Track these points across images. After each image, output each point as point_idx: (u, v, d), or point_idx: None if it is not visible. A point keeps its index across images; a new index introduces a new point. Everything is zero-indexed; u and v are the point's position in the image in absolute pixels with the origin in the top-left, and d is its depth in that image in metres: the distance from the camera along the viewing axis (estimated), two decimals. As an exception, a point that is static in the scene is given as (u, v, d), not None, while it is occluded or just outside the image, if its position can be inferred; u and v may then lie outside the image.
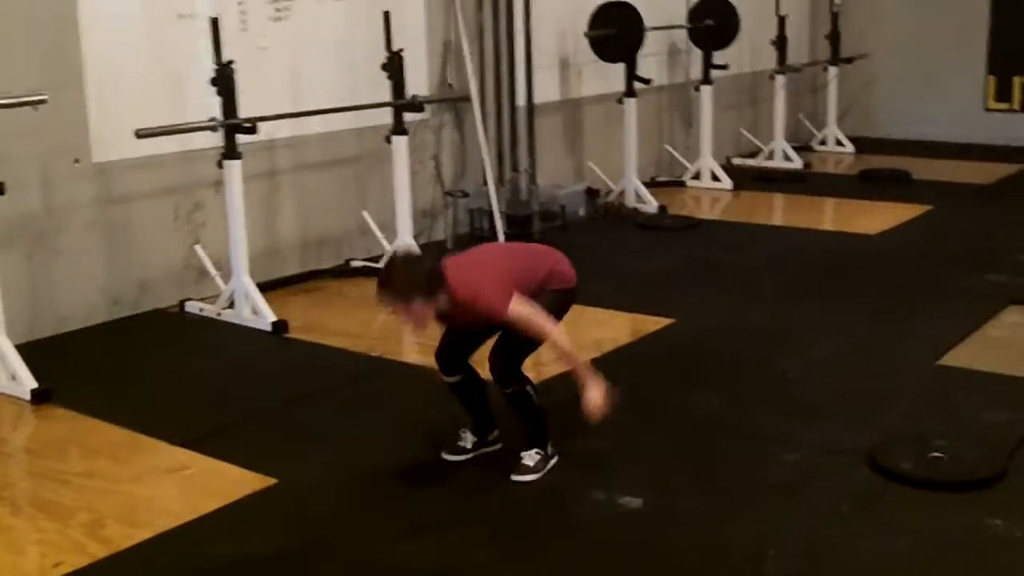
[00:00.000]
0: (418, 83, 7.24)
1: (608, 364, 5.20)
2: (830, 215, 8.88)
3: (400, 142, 6.71)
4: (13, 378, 4.97)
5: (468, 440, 4.21)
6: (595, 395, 3.84)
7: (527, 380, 4.04)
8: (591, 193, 8.59)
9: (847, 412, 4.61)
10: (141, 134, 5.34)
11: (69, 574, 3.44)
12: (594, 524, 3.74)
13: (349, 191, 7.26)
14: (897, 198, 8.80)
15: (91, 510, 3.85)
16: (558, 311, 4.01)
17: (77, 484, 4.08)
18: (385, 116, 6.75)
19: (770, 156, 10.52)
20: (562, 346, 3.87)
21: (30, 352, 5.11)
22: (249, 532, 3.72)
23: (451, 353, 4.08)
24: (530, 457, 4.03)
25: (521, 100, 8.00)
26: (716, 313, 6.01)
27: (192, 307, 6.23)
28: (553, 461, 4.10)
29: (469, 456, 4.18)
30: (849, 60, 11.21)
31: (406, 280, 3.72)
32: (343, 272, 7.01)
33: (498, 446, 4.23)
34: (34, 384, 4.91)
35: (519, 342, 3.93)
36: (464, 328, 3.98)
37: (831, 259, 7.15)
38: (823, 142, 11.37)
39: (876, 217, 8.19)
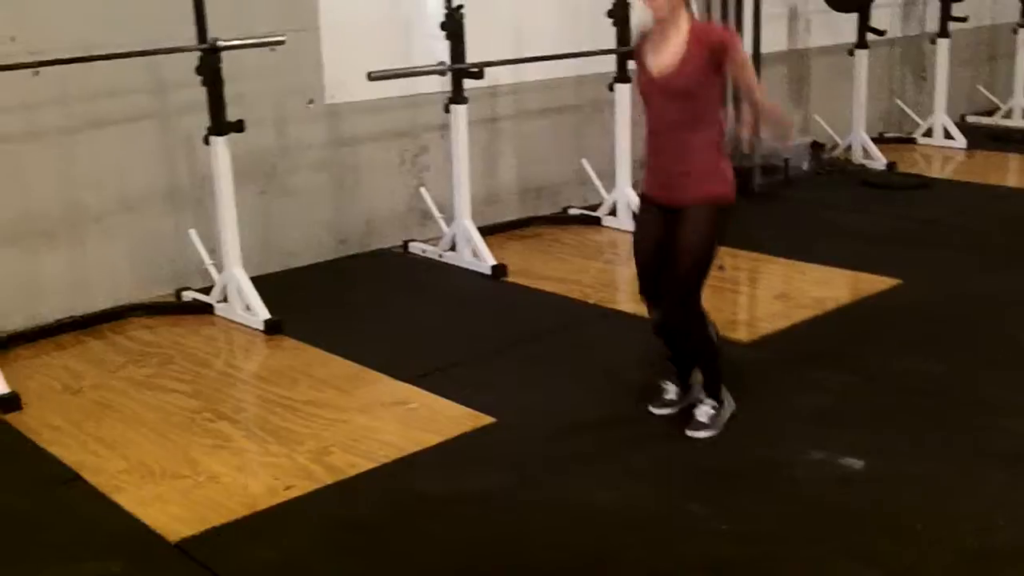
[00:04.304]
0: (643, 30, 7.15)
1: (829, 324, 5.11)
2: (1071, 179, 8.38)
3: (623, 90, 6.66)
4: (248, 308, 5.21)
5: (672, 391, 4.17)
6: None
7: (707, 318, 3.99)
8: (816, 147, 8.35)
9: (1085, 385, 4.36)
10: (374, 76, 5.46)
11: (299, 497, 3.60)
12: (813, 484, 3.65)
13: (568, 139, 7.27)
14: None
15: (318, 438, 4.02)
16: None
17: (305, 412, 4.25)
18: (608, 64, 6.70)
19: (1008, 115, 9.98)
20: (761, 94, 3.90)
21: (261, 285, 5.34)
22: (466, 468, 3.80)
23: (650, 271, 3.95)
24: (704, 412, 4.00)
25: (748, 48, 7.82)
26: (944, 276, 5.76)
27: (415, 248, 6.39)
28: (730, 412, 4.05)
29: (675, 409, 4.13)
30: (1101, 14, 10.47)
31: None
32: (560, 220, 7.04)
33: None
34: (267, 315, 5.13)
35: (699, 253, 3.81)
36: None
37: (1071, 225, 6.76)
38: (1067, 101, 10.71)
39: (1123, 182, 7.70)
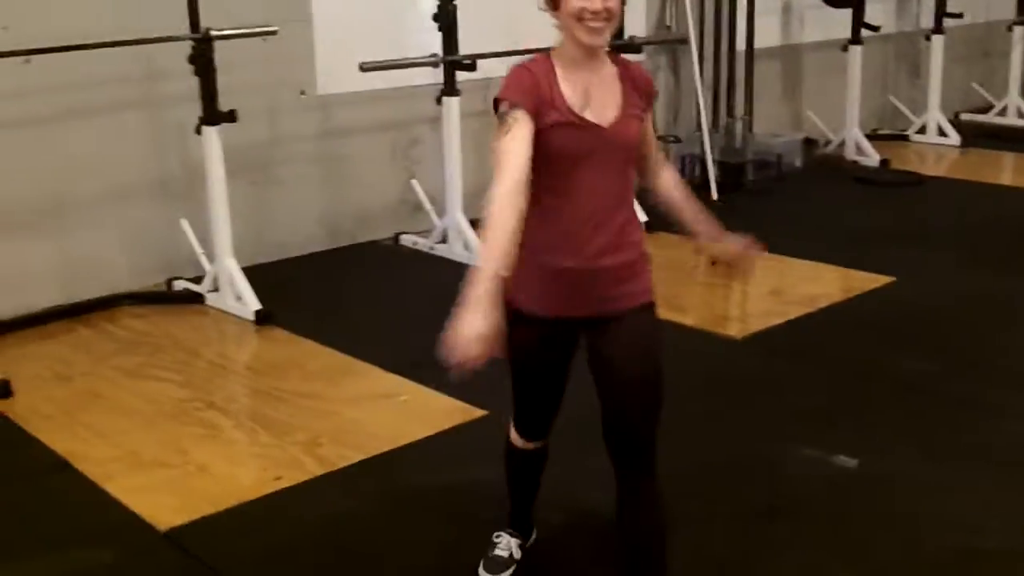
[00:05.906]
0: (636, 24, 7.15)
1: (822, 321, 5.11)
2: (1065, 178, 8.40)
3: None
4: (239, 299, 5.19)
5: (512, 546, 3.18)
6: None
7: None
8: (809, 143, 8.36)
9: (1077, 384, 4.36)
10: (366, 67, 5.44)
11: (288, 488, 3.59)
12: (805, 482, 3.65)
13: (562, 132, 7.24)
14: None
15: (308, 429, 4.00)
16: None
17: (295, 403, 4.24)
18: (603, 57, 6.68)
19: (1002, 112, 9.98)
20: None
21: (252, 276, 5.31)
22: (457, 461, 3.79)
23: (550, 406, 3.01)
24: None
25: (740, 44, 7.81)
26: (937, 275, 5.76)
27: (406, 240, 6.37)
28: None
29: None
30: (1096, 12, 10.47)
31: None
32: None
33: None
34: (258, 306, 5.11)
35: (659, 379, 2.71)
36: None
37: (1064, 224, 6.77)
38: (1061, 99, 10.73)
39: (1116, 181, 7.71)
